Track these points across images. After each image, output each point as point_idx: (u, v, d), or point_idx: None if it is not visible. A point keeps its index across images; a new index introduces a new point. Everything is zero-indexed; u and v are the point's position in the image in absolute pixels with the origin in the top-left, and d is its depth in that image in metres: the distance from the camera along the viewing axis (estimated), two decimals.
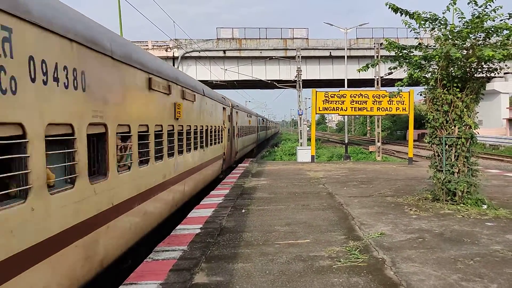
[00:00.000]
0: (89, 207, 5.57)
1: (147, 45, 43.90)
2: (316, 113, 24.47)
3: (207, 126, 15.22)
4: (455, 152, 10.55)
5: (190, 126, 12.09)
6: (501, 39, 9.67)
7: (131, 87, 7.38)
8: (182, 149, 11.12)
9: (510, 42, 9.52)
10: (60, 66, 4.86)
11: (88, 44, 5.59)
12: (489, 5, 9.66)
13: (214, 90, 19.68)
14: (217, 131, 17.63)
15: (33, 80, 4.33)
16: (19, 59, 4.10)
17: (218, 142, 18.11)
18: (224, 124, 19.99)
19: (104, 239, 6.03)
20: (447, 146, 10.59)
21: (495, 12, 9.62)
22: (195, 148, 12.99)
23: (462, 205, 10.19)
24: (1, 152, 4.01)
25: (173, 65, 41.77)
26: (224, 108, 20.18)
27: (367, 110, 23.74)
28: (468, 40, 9.99)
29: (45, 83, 4.56)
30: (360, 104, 23.28)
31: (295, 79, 37.06)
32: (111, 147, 6.35)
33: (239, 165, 23.20)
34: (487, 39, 9.96)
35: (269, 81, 44.99)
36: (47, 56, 4.61)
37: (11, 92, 3.99)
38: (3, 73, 3.85)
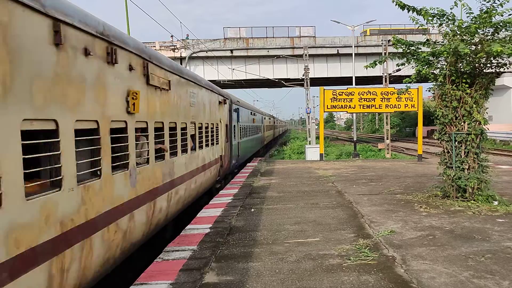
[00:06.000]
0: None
1: (154, 46, 44.01)
2: (324, 111, 24.42)
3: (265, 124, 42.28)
4: (465, 148, 10.48)
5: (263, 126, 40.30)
6: (510, 33, 9.58)
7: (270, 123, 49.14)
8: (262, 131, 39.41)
9: None
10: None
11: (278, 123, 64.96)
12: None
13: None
14: (261, 127, 37.92)
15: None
16: None
17: (261, 132, 38.11)
18: (262, 123, 39.42)
19: (250, 143, 28.00)
20: (456, 142, 10.52)
21: (502, 6, 9.53)
22: (264, 131, 40.04)
23: (472, 201, 10.12)
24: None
25: (181, 64, 41.82)
26: (263, 117, 41.51)
27: (375, 108, 23.66)
28: (476, 35, 9.91)
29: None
30: (369, 101, 23.19)
31: (303, 77, 37.01)
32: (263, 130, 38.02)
33: (248, 164, 23.22)
34: (496, 34, 9.87)
35: (277, 80, 44.97)
36: None
37: None
38: None
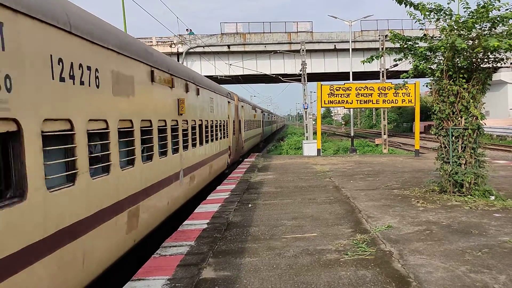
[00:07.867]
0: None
1: (151, 41, 43.85)
2: (321, 107, 24.41)
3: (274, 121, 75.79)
4: (462, 143, 10.48)
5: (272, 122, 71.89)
6: (507, 28, 9.57)
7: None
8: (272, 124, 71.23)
9: None
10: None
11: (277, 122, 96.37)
12: None
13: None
14: (271, 121, 61.39)
15: None
16: None
17: (271, 125, 60.57)
18: (271, 119, 57.68)
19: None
20: (453, 137, 10.53)
21: (499, 1, 9.51)
22: (272, 124, 66.76)
23: (469, 196, 10.14)
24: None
25: (178, 60, 41.75)
26: (272, 115, 68.06)
27: (372, 103, 23.63)
28: (473, 30, 9.90)
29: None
30: (366, 96, 23.17)
31: (300, 72, 36.98)
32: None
33: (245, 160, 23.23)
34: (493, 29, 9.86)
35: (274, 75, 44.92)
36: None
37: None
38: None
